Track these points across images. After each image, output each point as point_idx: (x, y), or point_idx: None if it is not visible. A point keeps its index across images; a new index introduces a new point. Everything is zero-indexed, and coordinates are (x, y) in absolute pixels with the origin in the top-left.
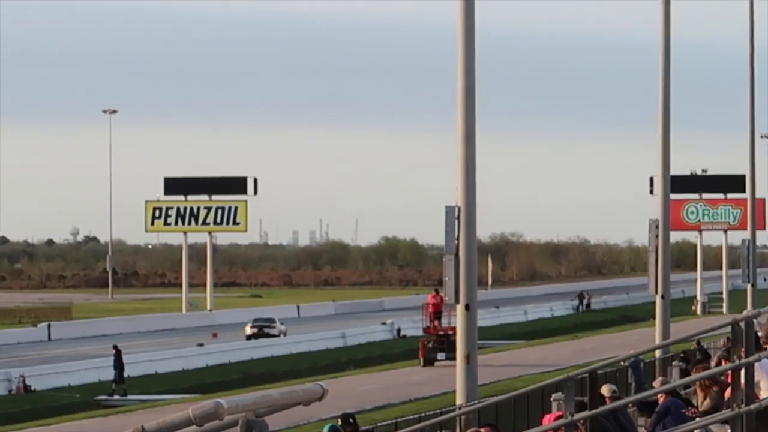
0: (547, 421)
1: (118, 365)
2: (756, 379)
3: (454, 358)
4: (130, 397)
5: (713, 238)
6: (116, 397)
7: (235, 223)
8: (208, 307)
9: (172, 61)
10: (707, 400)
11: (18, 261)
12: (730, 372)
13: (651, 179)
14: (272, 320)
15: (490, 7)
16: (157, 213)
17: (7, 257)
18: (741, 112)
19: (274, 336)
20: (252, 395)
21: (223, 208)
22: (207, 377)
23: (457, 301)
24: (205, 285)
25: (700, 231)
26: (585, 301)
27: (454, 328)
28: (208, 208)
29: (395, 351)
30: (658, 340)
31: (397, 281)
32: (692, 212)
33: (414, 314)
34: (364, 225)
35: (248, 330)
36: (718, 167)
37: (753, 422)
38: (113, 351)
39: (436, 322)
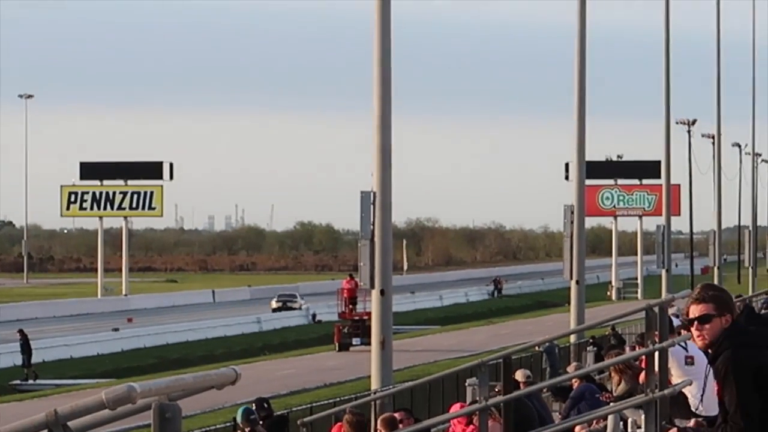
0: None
1: (26, 349)
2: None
3: (369, 343)
4: (45, 381)
5: (628, 224)
6: (30, 381)
7: (150, 208)
8: (124, 292)
9: (89, 46)
10: (622, 384)
11: None
12: (644, 357)
13: (566, 165)
14: (294, 296)
15: None
16: (72, 198)
17: None
18: (656, 100)
19: (295, 309)
20: (165, 379)
21: (138, 193)
22: (122, 362)
23: (372, 286)
24: (120, 270)
25: (615, 217)
26: (500, 287)
27: (369, 314)
28: (124, 193)
29: (310, 336)
30: (572, 326)
31: (312, 266)
32: (607, 198)
33: (329, 299)
34: (279, 210)
35: (273, 304)
36: (633, 154)
37: (667, 407)
38: (19, 336)
39: (352, 308)
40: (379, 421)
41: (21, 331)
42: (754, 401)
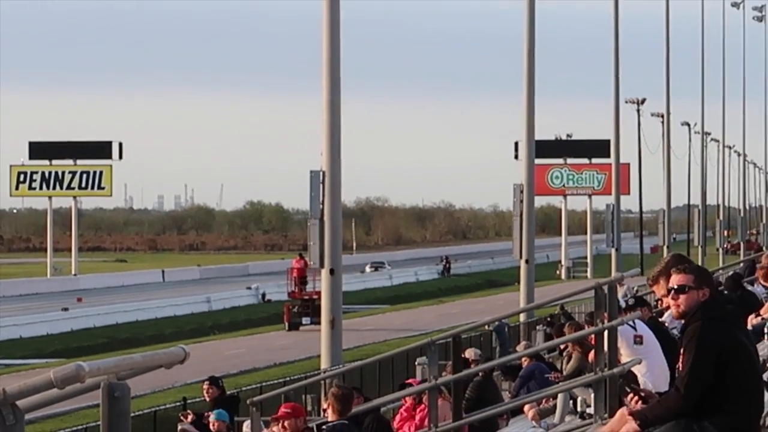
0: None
1: None
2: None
3: (319, 323)
4: None
5: (578, 203)
6: None
7: (100, 187)
8: (73, 272)
9: (37, 25)
10: (571, 362)
11: None
12: (593, 336)
13: (516, 144)
14: (383, 263)
15: None
16: (21, 177)
17: None
18: (606, 79)
19: (383, 270)
20: (114, 359)
21: (87, 173)
22: (72, 342)
23: (321, 265)
24: (70, 250)
25: (565, 196)
26: (448, 266)
27: (319, 293)
28: (73, 173)
29: (260, 315)
30: (522, 305)
31: (262, 246)
32: (557, 177)
33: (279, 279)
34: (229, 190)
35: (368, 269)
36: (582, 133)
37: (616, 386)
38: None
39: (301, 287)
40: (330, 395)
41: None
42: (707, 374)
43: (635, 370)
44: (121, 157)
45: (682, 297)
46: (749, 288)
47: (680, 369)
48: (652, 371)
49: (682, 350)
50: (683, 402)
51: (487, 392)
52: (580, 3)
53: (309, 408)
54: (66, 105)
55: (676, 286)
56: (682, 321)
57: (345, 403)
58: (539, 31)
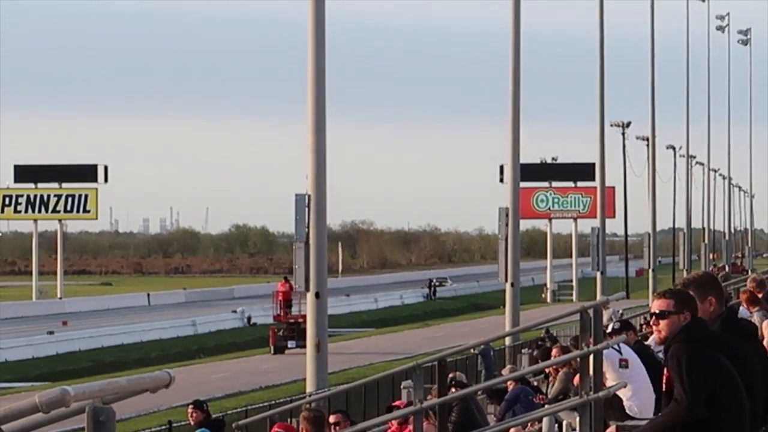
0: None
1: None
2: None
3: (304, 346)
4: None
5: (563, 227)
6: None
7: (85, 210)
8: (59, 295)
9: (21, 49)
10: (555, 384)
11: None
12: (578, 359)
13: (501, 167)
14: (446, 278)
15: None
16: (7, 201)
17: None
18: (591, 102)
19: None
20: (99, 383)
21: (73, 196)
22: (57, 365)
23: (307, 289)
24: (55, 273)
25: (550, 219)
26: (434, 288)
27: (304, 316)
28: (59, 196)
29: (246, 339)
30: (508, 328)
31: (247, 269)
32: (542, 200)
33: (264, 302)
34: (214, 213)
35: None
36: (568, 156)
37: (601, 409)
38: None
39: (287, 310)
40: (302, 419)
41: None
42: (703, 387)
43: (621, 393)
44: (106, 180)
45: (662, 322)
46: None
47: (675, 393)
48: (637, 395)
49: (669, 372)
50: (688, 406)
51: (472, 415)
52: (566, 27)
53: None
54: (51, 128)
55: (657, 311)
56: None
57: (318, 425)
58: (524, 54)
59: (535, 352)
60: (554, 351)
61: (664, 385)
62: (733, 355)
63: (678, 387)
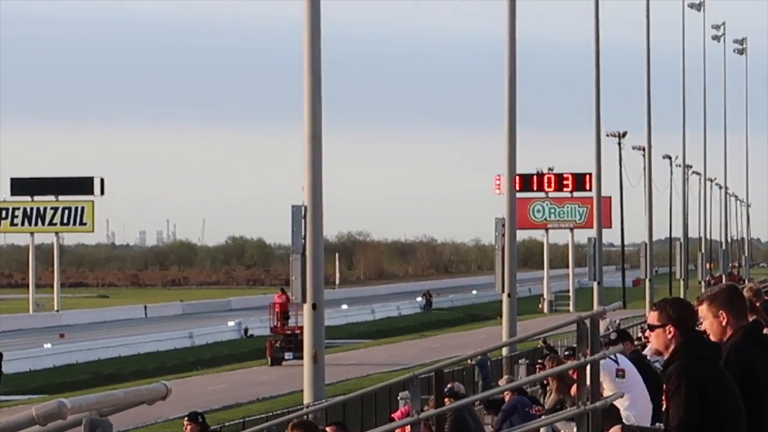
0: (396, 418)
1: None
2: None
3: (301, 358)
4: None
5: (560, 237)
6: None
7: (81, 223)
8: (56, 308)
9: (16, 61)
10: (552, 395)
11: None
12: (575, 370)
13: (497, 178)
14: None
15: (336, 5)
16: (3, 213)
17: None
18: (587, 112)
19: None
20: (96, 395)
21: (69, 209)
22: (54, 378)
23: (304, 300)
24: (52, 286)
25: (547, 229)
26: (429, 300)
27: (301, 328)
28: (55, 209)
29: (243, 351)
30: (505, 339)
31: (244, 281)
32: (539, 211)
33: (261, 314)
34: (211, 225)
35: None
36: (564, 166)
37: (598, 420)
38: None
39: (284, 322)
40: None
41: None
42: (695, 415)
43: (618, 404)
44: (102, 192)
45: (651, 335)
46: None
47: (671, 415)
48: (634, 405)
49: (667, 391)
50: None
51: (466, 425)
52: (562, 36)
53: None
54: (47, 141)
55: (648, 324)
56: (663, 356)
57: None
58: (520, 64)
59: (538, 362)
60: (547, 363)
61: (663, 402)
62: (749, 368)
63: (674, 419)
